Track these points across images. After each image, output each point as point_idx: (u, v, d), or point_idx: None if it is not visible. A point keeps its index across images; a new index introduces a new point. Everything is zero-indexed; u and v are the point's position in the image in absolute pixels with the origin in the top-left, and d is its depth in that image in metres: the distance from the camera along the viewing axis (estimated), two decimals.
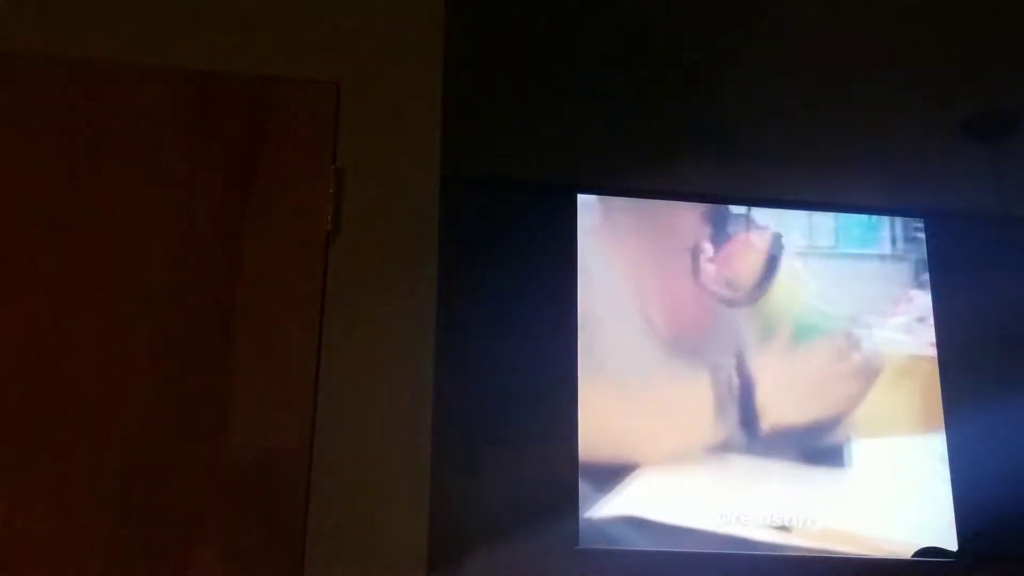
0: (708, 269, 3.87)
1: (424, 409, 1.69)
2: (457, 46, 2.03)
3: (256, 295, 1.68)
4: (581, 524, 3.42)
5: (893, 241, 4.03)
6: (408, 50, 1.90)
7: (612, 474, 3.53)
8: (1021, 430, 3.72)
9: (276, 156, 1.77)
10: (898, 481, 3.69)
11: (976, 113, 3.41)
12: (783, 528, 3.52)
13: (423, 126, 1.85)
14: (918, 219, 3.98)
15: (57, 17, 1.82)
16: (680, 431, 3.64)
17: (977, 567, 2.86)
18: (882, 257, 4.01)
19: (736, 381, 3.72)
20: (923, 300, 3.93)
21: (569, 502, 3.41)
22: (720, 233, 3.93)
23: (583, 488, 3.45)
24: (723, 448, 3.63)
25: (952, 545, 3.47)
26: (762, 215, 3.96)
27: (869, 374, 3.82)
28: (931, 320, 3.90)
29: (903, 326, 3.90)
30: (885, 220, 4.02)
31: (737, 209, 3.96)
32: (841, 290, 3.89)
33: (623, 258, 3.84)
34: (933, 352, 3.84)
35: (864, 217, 4.02)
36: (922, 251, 3.97)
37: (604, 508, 3.50)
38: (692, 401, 3.69)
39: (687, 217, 3.92)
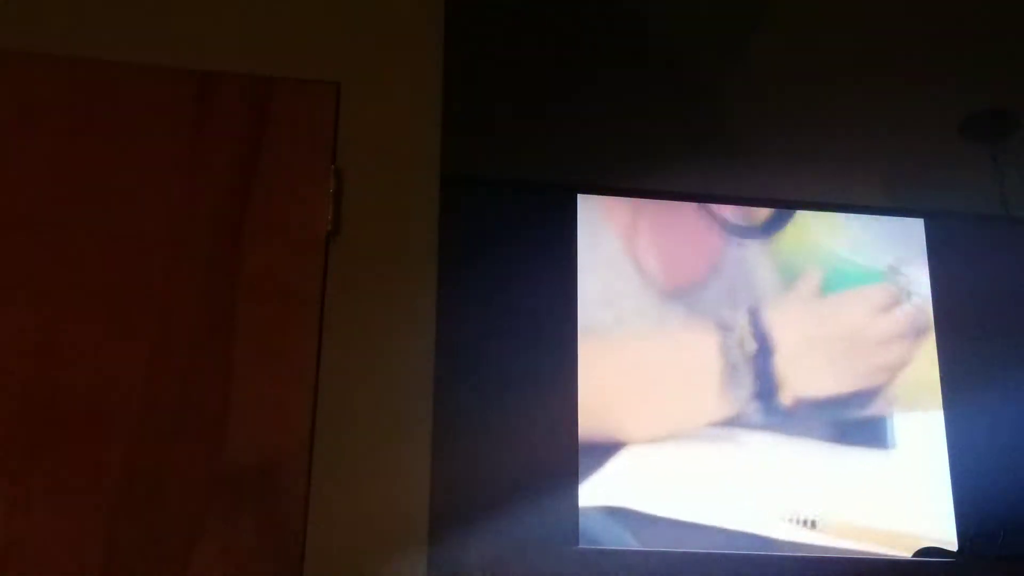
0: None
1: (424, 409, 1.69)
2: (457, 46, 2.03)
3: (256, 295, 1.68)
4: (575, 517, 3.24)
5: None
6: (408, 50, 1.90)
7: (602, 454, 2.98)
8: (1022, 430, 3.71)
9: (276, 156, 1.77)
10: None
11: (976, 113, 3.41)
12: (807, 524, 2.89)
13: (423, 126, 1.85)
14: (918, 219, 3.99)
15: (57, 17, 1.82)
16: (677, 403, 3.00)
17: (977, 567, 2.86)
18: None
19: (750, 342, 3.03)
20: None
21: (569, 504, 3.41)
22: None
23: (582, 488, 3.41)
24: (731, 424, 3.02)
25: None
26: None
27: (917, 333, 3.22)
28: None
29: None
30: None
31: None
32: (883, 224, 3.12)
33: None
34: None
35: None
36: None
37: (589, 497, 3.03)
38: (694, 366, 3.00)
39: None
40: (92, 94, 1.77)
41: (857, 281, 3.14)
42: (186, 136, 1.76)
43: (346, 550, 1.61)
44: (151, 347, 1.64)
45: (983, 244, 3.97)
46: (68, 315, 1.64)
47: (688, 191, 3.85)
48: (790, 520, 2.93)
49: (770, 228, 3.19)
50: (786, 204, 3.93)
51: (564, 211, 3.77)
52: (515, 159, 3.69)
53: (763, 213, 3.27)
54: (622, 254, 3.14)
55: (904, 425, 3.04)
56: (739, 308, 3.04)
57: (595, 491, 3.07)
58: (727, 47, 3.09)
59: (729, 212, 3.27)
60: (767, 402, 2.99)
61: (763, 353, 3.03)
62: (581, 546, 3.35)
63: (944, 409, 3.70)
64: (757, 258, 3.08)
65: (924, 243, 3.37)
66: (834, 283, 3.08)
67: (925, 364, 3.17)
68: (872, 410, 3.05)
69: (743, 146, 3.60)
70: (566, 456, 3.44)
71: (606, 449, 3.08)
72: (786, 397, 3.03)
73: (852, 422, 3.02)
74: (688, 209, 3.27)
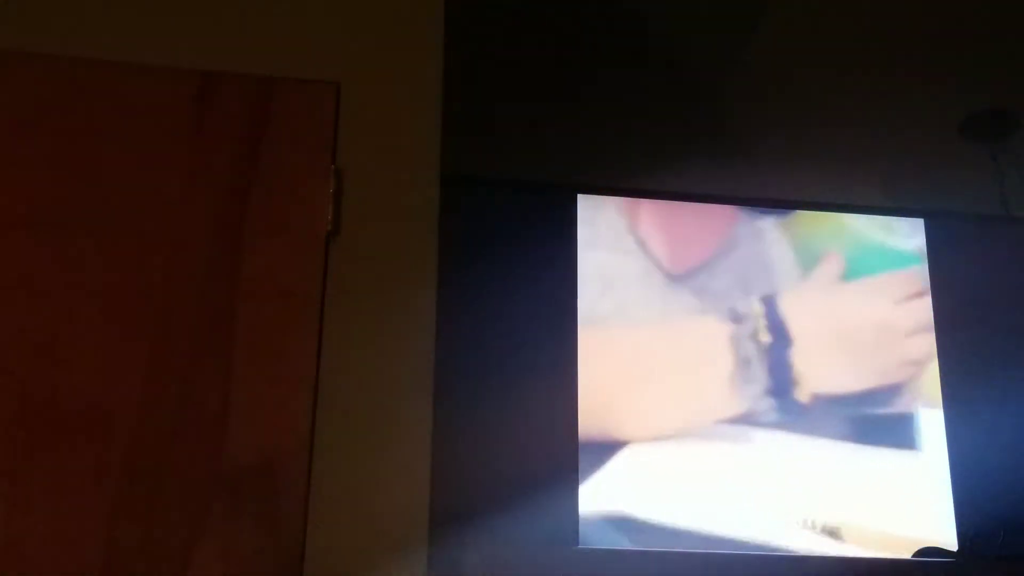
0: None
1: (424, 409, 1.69)
2: (457, 46, 2.03)
3: (256, 295, 1.68)
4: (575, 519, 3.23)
5: None
6: (408, 50, 1.90)
7: (603, 453, 2.77)
8: (1022, 430, 3.71)
9: (276, 156, 1.77)
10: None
11: (976, 113, 3.41)
12: (825, 531, 2.62)
13: (423, 126, 1.85)
14: (918, 219, 3.98)
15: (57, 17, 1.82)
16: (685, 399, 2.77)
17: (977, 567, 2.85)
18: None
19: (764, 333, 2.79)
20: None
21: (570, 505, 3.40)
22: None
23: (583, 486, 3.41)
24: (742, 422, 2.77)
25: None
26: None
27: None
28: None
29: None
30: None
31: None
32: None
33: None
34: None
35: None
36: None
37: (589, 501, 2.89)
38: (703, 359, 2.76)
39: None
40: (92, 94, 1.77)
41: (887, 265, 2.82)
42: (186, 136, 1.76)
43: (346, 550, 1.61)
44: (151, 347, 1.64)
45: (983, 244, 3.97)
46: (68, 315, 1.64)
47: (688, 191, 3.85)
48: (804, 526, 2.70)
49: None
50: (786, 204, 3.93)
51: (564, 211, 3.78)
52: (515, 159, 3.69)
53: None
54: (625, 232, 2.90)
55: (932, 423, 2.78)
56: (752, 295, 2.78)
57: (595, 495, 2.91)
58: (727, 47, 3.09)
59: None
60: (782, 398, 2.76)
61: (778, 345, 2.79)
62: (581, 546, 3.35)
63: (944, 409, 3.71)
64: (772, 240, 2.78)
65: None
66: (860, 267, 2.75)
67: None
68: (897, 407, 2.81)
69: (743, 146, 3.60)
70: (566, 456, 3.44)
71: (608, 448, 2.94)
72: (803, 393, 2.81)
73: (875, 420, 2.78)
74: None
